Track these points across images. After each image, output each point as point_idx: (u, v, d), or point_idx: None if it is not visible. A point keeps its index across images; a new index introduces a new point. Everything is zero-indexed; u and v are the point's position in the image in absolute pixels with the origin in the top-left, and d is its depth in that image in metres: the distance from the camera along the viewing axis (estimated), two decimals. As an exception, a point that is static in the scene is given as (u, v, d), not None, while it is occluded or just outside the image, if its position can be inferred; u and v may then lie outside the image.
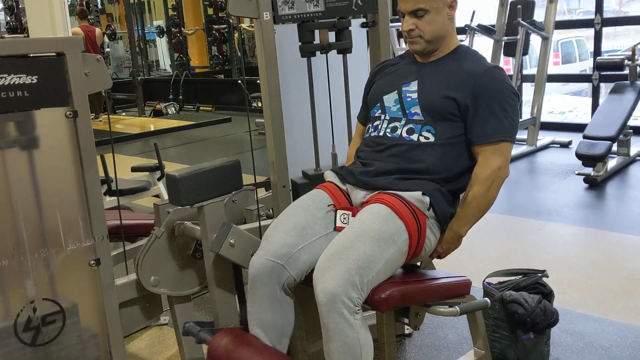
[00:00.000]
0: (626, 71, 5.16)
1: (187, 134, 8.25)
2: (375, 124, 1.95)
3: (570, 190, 4.48)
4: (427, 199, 1.76)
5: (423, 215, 1.75)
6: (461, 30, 5.89)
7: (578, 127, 6.17)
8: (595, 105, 6.28)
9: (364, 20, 2.37)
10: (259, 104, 8.49)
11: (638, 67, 5.05)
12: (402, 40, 6.96)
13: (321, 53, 2.25)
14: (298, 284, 1.78)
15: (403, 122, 1.88)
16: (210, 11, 11.62)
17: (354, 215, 1.81)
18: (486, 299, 1.89)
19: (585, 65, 11.80)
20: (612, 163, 4.82)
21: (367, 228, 1.66)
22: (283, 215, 1.85)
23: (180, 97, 10.31)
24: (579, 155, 4.57)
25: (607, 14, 6.13)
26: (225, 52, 11.94)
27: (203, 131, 8.42)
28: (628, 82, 5.06)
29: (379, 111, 1.96)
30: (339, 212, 1.81)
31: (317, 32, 2.23)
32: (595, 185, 4.51)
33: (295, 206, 1.86)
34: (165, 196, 4.67)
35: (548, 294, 2.30)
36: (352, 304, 1.57)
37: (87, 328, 2.00)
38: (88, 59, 1.90)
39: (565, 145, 5.82)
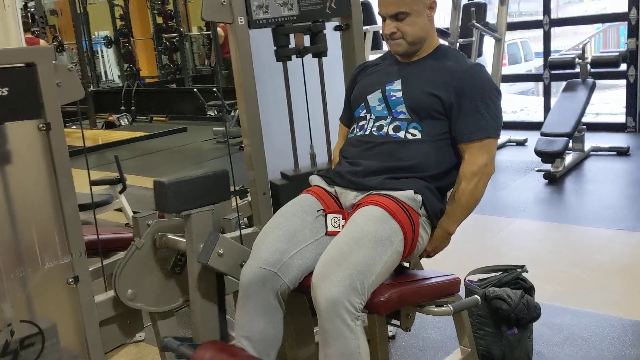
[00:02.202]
0: (577, 69, 5.33)
1: (143, 145, 8.07)
2: (361, 123, 1.94)
3: (532, 187, 4.59)
4: (419, 197, 1.76)
5: (416, 213, 1.76)
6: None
7: (531, 126, 6.34)
8: (547, 104, 6.46)
9: (336, 23, 2.36)
10: (215, 113, 8.39)
11: (588, 65, 5.22)
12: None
13: (297, 57, 2.22)
14: (291, 291, 1.75)
15: (389, 120, 1.88)
16: (159, 20, 11.44)
17: (344, 218, 1.79)
18: (476, 296, 1.90)
19: (531, 66, 12.15)
20: (568, 159, 4.96)
21: (363, 232, 1.64)
22: (271, 222, 1.81)
23: (133, 107, 10.09)
24: (538, 152, 4.68)
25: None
26: (176, 60, 11.79)
27: (159, 142, 8.25)
28: (580, 79, 5.22)
29: (364, 111, 1.95)
30: (329, 216, 1.79)
31: (291, 36, 2.21)
32: (554, 180, 4.63)
33: (284, 212, 1.83)
34: (128, 209, 4.57)
35: (529, 289, 2.34)
36: (354, 309, 1.55)
37: (67, 349, 1.92)
38: (59, 69, 1.83)
39: (521, 144, 5.95)
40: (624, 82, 6.18)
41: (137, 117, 10.17)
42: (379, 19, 1.98)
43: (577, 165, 5.02)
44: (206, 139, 8.03)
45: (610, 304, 2.69)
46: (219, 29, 10.73)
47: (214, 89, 8.02)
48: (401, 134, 1.85)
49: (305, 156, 2.33)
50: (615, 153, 5.22)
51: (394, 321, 1.90)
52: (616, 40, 12.08)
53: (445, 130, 1.86)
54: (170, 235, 1.97)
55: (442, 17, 6.71)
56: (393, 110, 1.89)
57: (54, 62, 1.81)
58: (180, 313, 2.66)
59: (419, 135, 1.85)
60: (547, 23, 6.30)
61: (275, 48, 2.21)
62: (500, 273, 2.41)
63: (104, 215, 4.42)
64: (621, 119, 6.28)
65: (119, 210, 4.48)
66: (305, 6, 2.18)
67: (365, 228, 1.65)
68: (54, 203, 1.84)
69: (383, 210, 1.69)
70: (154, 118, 10.19)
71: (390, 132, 1.86)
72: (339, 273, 1.56)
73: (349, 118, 2.09)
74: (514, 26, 6.40)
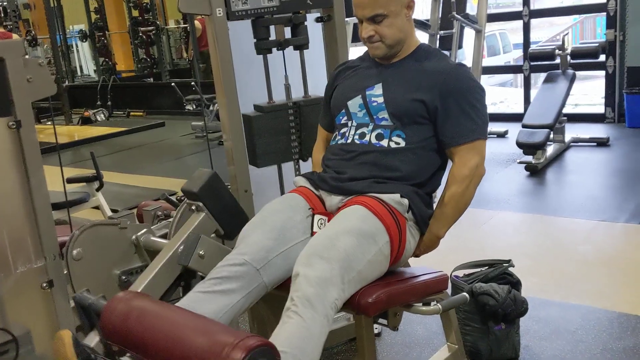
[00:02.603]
0: (557, 61, 5.34)
1: (120, 141, 7.94)
2: (342, 131, 1.89)
3: (514, 179, 4.58)
4: (405, 202, 1.71)
5: (403, 217, 1.71)
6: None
7: (512, 117, 6.33)
8: (527, 95, 6.47)
9: (317, 15, 2.31)
10: (193, 107, 8.28)
11: (568, 56, 5.23)
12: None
13: (278, 49, 2.16)
14: (271, 291, 1.68)
15: (371, 127, 1.83)
16: (135, 13, 11.25)
17: (329, 220, 1.74)
18: (464, 294, 1.86)
19: (509, 57, 12.16)
20: (549, 150, 4.96)
21: (346, 226, 1.60)
22: (258, 217, 1.75)
23: (109, 102, 9.92)
24: (519, 144, 4.67)
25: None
26: (153, 54, 11.64)
27: (136, 137, 8.12)
28: (560, 71, 5.23)
29: (345, 118, 1.90)
30: (316, 217, 1.74)
31: (272, 28, 2.15)
32: (536, 172, 4.62)
33: (271, 208, 1.77)
34: (106, 207, 4.47)
35: (516, 283, 2.31)
36: (329, 304, 1.48)
37: (43, 356, 1.84)
38: (30, 63, 1.75)
39: (502, 135, 5.93)
40: (601, 72, 6.21)
41: (114, 112, 10.01)
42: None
43: (558, 156, 5.02)
44: (184, 134, 7.92)
45: (596, 296, 2.68)
46: (196, 22, 10.59)
47: (192, 83, 7.89)
48: (384, 143, 1.80)
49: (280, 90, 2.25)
50: (595, 144, 5.24)
51: (381, 320, 1.86)
52: (592, 31, 12.17)
53: (430, 134, 1.82)
54: (152, 237, 1.91)
55: (422, 8, 6.68)
56: (375, 117, 1.83)
57: (24, 56, 1.73)
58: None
59: (402, 144, 1.79)
60: (527, 14, 6.31)
61: (255, 40, 2.14)
62: (486, 268, 2.38)
63: (80, 214, 4.31)
64: (600, 109, 6.31)
65: (97, 208, 4.39)
66: (286, -4, 2.12)
67: (348, 223, 1.61)
68: (25, 204, 1.77)
69: (366, 209, 1.65)
70: (131, 113, 10.04)
71: (373, 140, 1.81)
72: (319, 265, 1.50)
73: (329, 122, 2.04)
74: (493, 17, 6.40)
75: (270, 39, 2.15)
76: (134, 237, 1.93)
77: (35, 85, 1.77)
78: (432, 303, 1.76)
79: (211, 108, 7.57)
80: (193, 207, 1.85)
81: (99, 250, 1.90)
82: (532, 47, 6.04)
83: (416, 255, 1.86)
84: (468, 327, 2.26)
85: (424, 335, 2.48)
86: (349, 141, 1.84)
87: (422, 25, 6.02)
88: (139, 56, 11.69)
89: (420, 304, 1.73)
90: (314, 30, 2.29)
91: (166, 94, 9.87)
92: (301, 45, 2.19)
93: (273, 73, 2.19)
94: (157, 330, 1.41)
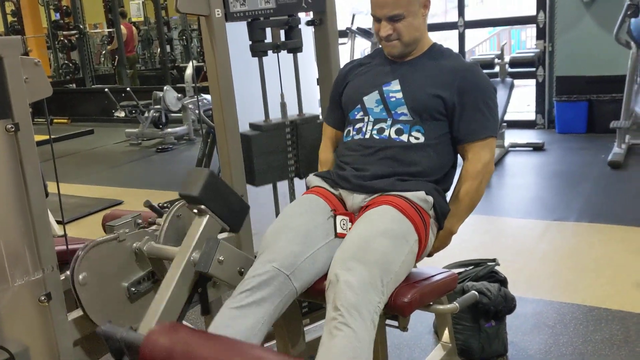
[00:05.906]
0: (495, 69, 5.58)
1: (47, 149, 7.54)
2: (358, 126, 1.89)
3: (462, 182, 4.72)
4: (430, 199, 1.74)
5: (427, 215, 1.73)
6: (343, 33, 5.99)
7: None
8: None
9: (309, 18, 2.30)
10: (126, 114, 8.01)
11: (507, 65, 5.47)
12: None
13: (273, 52, 2.14)
14: (297, 298, 1.66)
15: (389, 122, 1.84)
16: (54, 17, 10.78)
17: (351, 220, 1.73)
18: (474, 292, 1.90)
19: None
20: (491, 155, 5.15)
21: (379, 228, 1.60)
22: (280, 222, 1.72)
23: (30, 109, 9.41)
24: (467, 149, 4.83)
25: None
26: (74, 60, 11.19)
27: (65, 145, 7.74)
28: (499, 79, 5.45)
29: (361, 113, 1.90)
30: (339, 218, 1.73)
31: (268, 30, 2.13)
32: (482, 176, 4.78)
33: (292, 212, 1.74)
34: (51, 218, 4.23)
35: (503, 281, 2.39)
36: (374, 309, 1.48)
37: (40, 375, 1.73)
38: (26, 63, 1.65)
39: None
40: (525, 81, 6.55)
41: (35, 120, 9.46)
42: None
43: (499, 160, 5.23)
44: (117, 142, 7.66)
45: (565, 292, 2.81)
46: (122, 27, 10.28)
47: (128, 89, 7.65)
48: (404, 138, 1.82)
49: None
50: (531, 148, 5.51)
51: (390, 322, 1.87)
52: (508, 44, 12.86)
53: (445, 131, 1.86)
54: (156, 245, 1.83)
55: (365, 17, 6.78)
56: (393, 112, 1.85)
57: (21, 55, 1.63)
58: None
59: (422, 139, 1.82)
60: (462, 25, 6.55)
61: (250, 43, 2.11)
62: (472, 267, 2.44)
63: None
64: (529, 116, 6.64)
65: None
66: (282, -1, 2.10)
67: (380, 225, 1.61)
68: (22, 212, 1.66)
69: (396, 210, 1.66)
70: (54, 120, 9.60)
71: (393, 135, 1.83)
72: (358, 269, 1.49)
73: (337, 119, 2.03)
74: (431, 27, 6.62)
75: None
76: (135, 245, 1.84)
77: (32, 86, 1.69)
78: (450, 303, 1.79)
79: (146, 115, 7.36)
80: (195, 211, 1.78)
81: (104, 269, 1.79)
82: (473, 57, 6.27)
83: (430, 254, 1.89)
84: (459, 325, 2.31)
85: (409, 335, 2.51)
86: (367, 136, 1.85)
87: (365, 33, 6.13)
88: (58, 61, 11.20)
89: (439, 304, 1.75)
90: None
91: (93, 101, 9.52)
92: (296, 48, 2.17)
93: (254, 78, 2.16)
94: None
